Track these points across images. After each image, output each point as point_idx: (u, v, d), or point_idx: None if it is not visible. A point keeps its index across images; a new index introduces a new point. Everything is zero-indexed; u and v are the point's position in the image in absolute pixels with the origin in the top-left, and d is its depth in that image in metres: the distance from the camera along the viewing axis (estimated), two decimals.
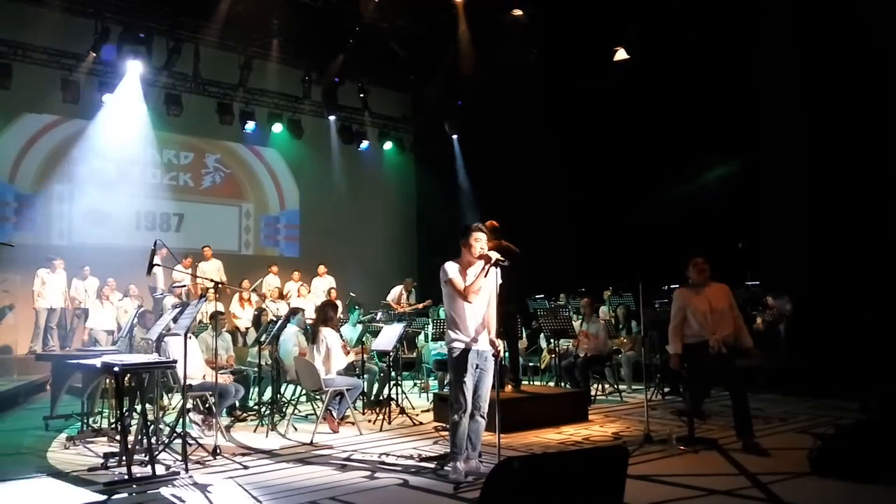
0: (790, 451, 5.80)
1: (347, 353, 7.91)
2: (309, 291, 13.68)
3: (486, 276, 5.17)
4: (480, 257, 5.20)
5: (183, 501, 4.77)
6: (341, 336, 8.31)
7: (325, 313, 7.71)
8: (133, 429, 5.91)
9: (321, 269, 14.59)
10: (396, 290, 13.99)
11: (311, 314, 9.91)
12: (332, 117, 16.52)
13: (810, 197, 11.35)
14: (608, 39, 12.64)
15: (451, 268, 5.26)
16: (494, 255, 5.16)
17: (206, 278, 9.58)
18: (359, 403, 8.29)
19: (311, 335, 7.61)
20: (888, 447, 4.93)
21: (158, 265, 9.09)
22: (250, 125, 15.12)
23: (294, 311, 8.94)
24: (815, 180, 11.24)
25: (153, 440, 5.80)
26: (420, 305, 13.80)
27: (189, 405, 6.69)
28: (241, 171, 16.49)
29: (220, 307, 8.30)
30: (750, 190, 11.99)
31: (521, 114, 14.11)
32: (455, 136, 16.93)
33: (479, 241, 5.24)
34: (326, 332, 7.47)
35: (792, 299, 10.82)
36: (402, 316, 12.66)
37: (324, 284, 14.17)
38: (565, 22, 12.68)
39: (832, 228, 10.78)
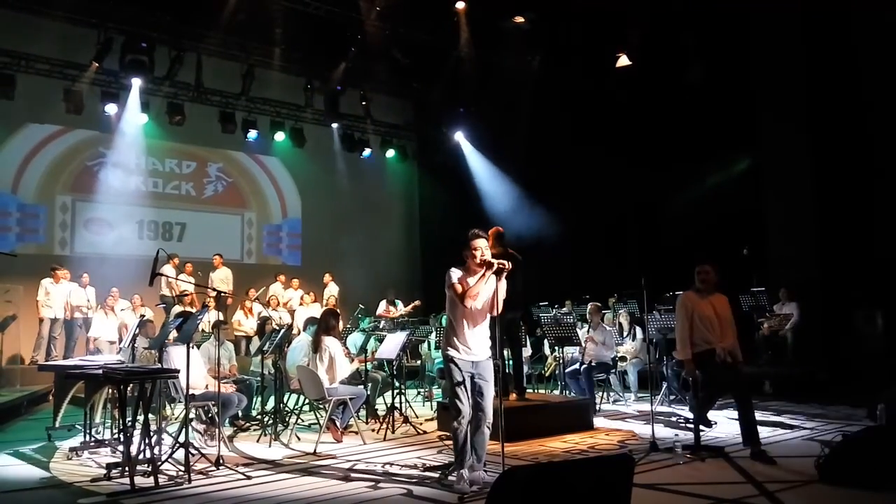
0: (797, 459, 5.76)
1: (352, 360, 7.88)
2: (313, 300, 13.69)
3: (486, 282, 5.14)
4: (482, 264, 5.17)
5: None
6: (344, 344, 8.27)
7: (327, 322, 7.68)
8: (136, 439, 5.88)
9: (326, 277, 14.61)
10: (382, 305, 14.12)
11: None
12: (334, 125, 16.54)
13: (815, 201, 11.33)
14: (609, 45, 12.62)
15: (455, 273, 5.25)
16: (496, 262, 5.13)
17: (210, 287, 9.57)
18: (362, 413, 8.24)
19: (313, 345, 7.58)
20: None
21: (161, 274, 9.16)
22: (252, 134, 15.10)
23: (312, 321, 8.90)
24: (819, 184, 11.22)
25: (156, 450, 5.77)
26: (409, 308, 13.83)
27: (192, 415, 6.66)
28: (243, 179, 16.50)
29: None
30: (754, 195, 11.97)
31: (524, 120, 14.09)
32: (457, 143, 16.93)
33: (480, 249, 5.22)
34: (329, 342, 7.44)
35: (798, 305, 10.79)
36: (405, 324, 12.65)
37: (329, 293, 14.20)
38: (566, 28, 12.68)
39: (838, 232, 10.75)
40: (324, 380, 7.18)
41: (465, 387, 5.12)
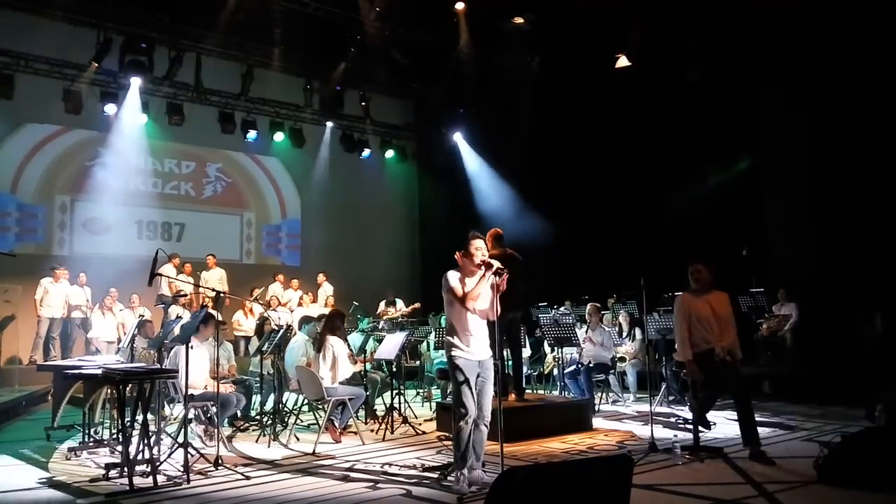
0: (796, 460, 5.76)
1: (355, 362, 7.88)
2: (313, 301, 13.68)
3: (486, 281, 5.14)
4: (481, 265, 5.17)
5: None
6: (348, 345, 8.28)
7: (333, 322, 7.70)
8: (134, 439, 5.88)
9: (320, 277, 14.59)
10: (381, 305, 14.09)
11: None
12: (333, 125, 16.54)
13: (814, 202, 11.34)
14: (609, 46, 12.63)
15: (452, 276, 5.24)
16: (496, 263, 5.13)
17: (209, 288, 9.57)
18: (361, 413, 8.23)
19: (317, 344, 7.58)
20: (895, 455, 4.88)
21: (161, 275, 9.15)
22: (252, 134, 15.09)
23: (307, 320, 8.90)
24: (819, 184, 11.22)
25: (155, 451, 5.77)
26: (408, 310, 13.83)
27: (191, 415, 6.65)
28: (242, 180, 16.49)
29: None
30: (754, 195, 11.97)
31: (524, 121, 14.09)
32: (457, 144, 16.93)
33: (480, 250, 5.22)
34: (333, 341, 7.44)
35: (798, 306, 10.79)
36: (404, 324, 12.66)
37: (324, 293, 14.20)
38: (566, 29, 12.68)
39: (837, 233, 10.75)
40: (325, 378, 7.18)
41: (470, 387, 5.12)
